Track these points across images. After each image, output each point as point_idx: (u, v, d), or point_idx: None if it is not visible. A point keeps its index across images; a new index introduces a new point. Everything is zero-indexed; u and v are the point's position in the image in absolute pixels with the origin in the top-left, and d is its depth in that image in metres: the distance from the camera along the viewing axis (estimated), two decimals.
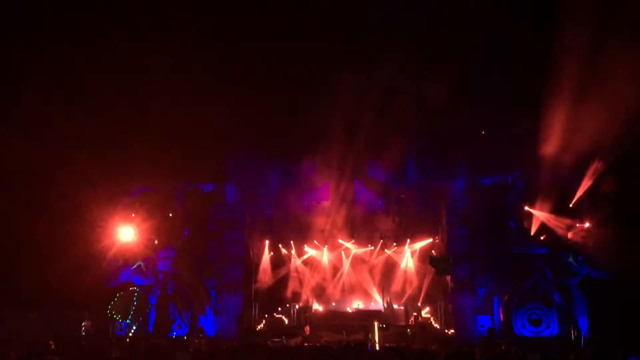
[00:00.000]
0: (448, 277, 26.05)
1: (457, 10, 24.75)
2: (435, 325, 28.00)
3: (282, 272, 30.84)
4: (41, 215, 24.67)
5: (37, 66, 23.96)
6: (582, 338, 21.82)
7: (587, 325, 22.57)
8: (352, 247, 30.80)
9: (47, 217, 24.71)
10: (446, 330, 26.61)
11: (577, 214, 22.95)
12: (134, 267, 24.57)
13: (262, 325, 28.61)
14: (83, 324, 24.14)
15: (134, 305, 24.05)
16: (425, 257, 28.76)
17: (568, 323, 22.92)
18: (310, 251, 31.10)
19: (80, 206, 24.41)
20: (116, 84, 25.37)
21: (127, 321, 23.96)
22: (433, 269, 26.59)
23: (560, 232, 23.11)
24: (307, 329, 25.55)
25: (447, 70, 23.64)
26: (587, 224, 22.58)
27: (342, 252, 31.24)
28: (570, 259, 22.65)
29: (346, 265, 31.37)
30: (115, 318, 23.97)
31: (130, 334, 23.56)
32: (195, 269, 25.83)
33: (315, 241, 30.36)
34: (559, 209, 23.29)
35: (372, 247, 30.75)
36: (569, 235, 22.90)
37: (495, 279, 24.69)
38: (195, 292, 25.58)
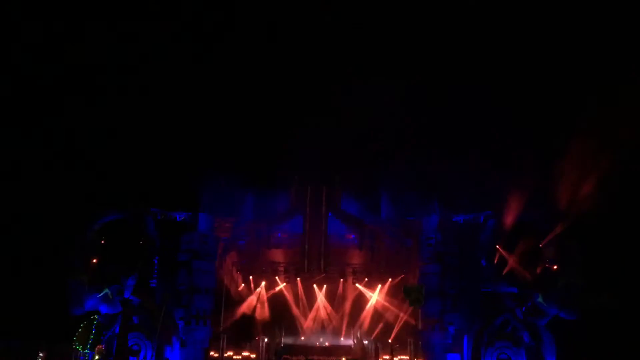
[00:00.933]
0: (419, 314, 25.98)
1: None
2: None
3: (252, 304, 30.38)
4: (7, 240, 24.16)
5: None
6: None
7: None
8: (323, 281, 30.58)
9: (13, 241, 24.21)
10: None
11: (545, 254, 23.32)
12: (100, 295, 23.95)
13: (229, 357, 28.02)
14: (40, 355, 23.24)
15: (93, 334, 23.41)
16: (396, 293, 28.68)
17: None
18: (281, 284, 30.76)
19: (47, 230, 23.97)
20: (89, 106, 25.25)
21: (87, 351, 23.26)
22: (406, 303, 26.47)
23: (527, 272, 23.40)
24: None
25: (424, 111, 24.12)
26: (554, 267, 22.89)
27: (314, 285, 31.00)
28: (540, 299, 22.81)
29: (317, 299, 31.10)
30: (77, 348, 23.28)
31: None
32: (163, 298, 25.28)
33: (286, 274, 30.08)
34: (528, 250, 23.64)
35: (343, 281, 30.57)
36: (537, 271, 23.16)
37: (466, 317, 24.73)
38: (162, 322, 24.98)
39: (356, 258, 29.24)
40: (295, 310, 31.05)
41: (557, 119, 24.77)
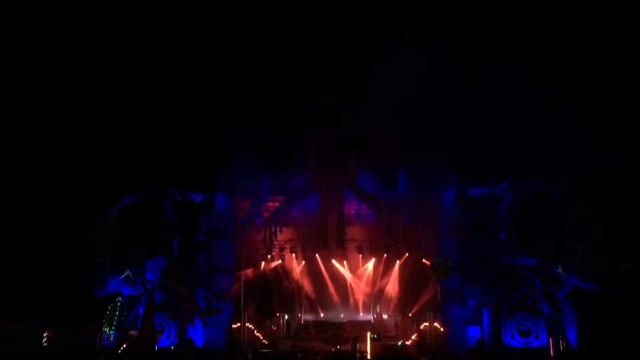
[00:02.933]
0: (437, 287, 26.08)
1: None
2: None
3: (272, 282, 30.66)
4: (27, 224, 24.47)
5: None
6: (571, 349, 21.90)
7: (576, 336, 22.64)
8: (340, 257, 30.76)
9: (33, 225, 24.53)
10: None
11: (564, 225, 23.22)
12: (122, 276, 24.29)
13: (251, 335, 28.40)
14: (44, 334, 23.49)
15: (116, 316, 23.82)
16: (414, 268, 28.80)
17: (557, 334, 22.97)
18: (300, 261, 30.99)
19: (69, 215, 24.26)
20: (108, 89, 25.33)
21: (112, 332, 23.69)
22: (424, 277, 26.57)
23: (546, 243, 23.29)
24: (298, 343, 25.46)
25: (440, 84, 23.93)
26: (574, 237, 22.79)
27: (332, 261, 31.19)
28: (559, 270, 22.74)
29: (336, 275, 31.30)
30: (104, 329, 23.72)
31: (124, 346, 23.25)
32: (184, 279, 25.60)
33: (303, 251, 30.28)
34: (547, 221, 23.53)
35: (362, 257, 30.73)
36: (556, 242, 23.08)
37: (485, 290, 24.74)
38: (184, 302, 25.33)
39: (373, 234, 29.32)
40: (314, 287, 31.27)
41: (573, 87, 24.44)
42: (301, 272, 31.23)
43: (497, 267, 24.50)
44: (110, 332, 23.84)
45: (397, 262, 30.21)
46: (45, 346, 22.92)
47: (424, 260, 28.08)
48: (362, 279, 31.21)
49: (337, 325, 29.56)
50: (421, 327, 27.25)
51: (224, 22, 27.32)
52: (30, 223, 25.28)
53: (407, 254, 29.63)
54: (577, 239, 22.78)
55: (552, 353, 21.95)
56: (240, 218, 27.20)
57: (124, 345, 23.39)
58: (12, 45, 24.30)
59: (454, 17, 26.18)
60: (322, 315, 31.08)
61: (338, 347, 25.28)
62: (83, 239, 24.14)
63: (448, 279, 24.63)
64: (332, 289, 31.31)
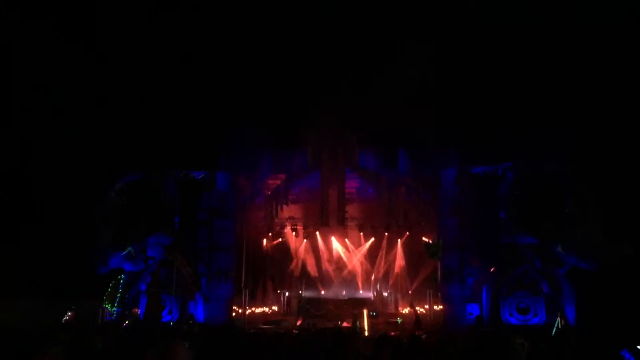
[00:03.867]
0: (438, 266, 26.20)
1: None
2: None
3: (273, 259, 30.86)
4: (29, 203, 24.53)
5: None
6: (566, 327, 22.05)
7: (575, 315, 22.80)
8: (341, 235, 30.90)
9: (35, 204, 24.59)
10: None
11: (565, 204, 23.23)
12: (124, 253, 24.46)
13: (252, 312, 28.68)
14: (68, 313, 23.68)
15: (119, 293, 24.02)
16: (414, 246, 28.92)
17: (555, 312, 23.11)
18: (300, 239, 31.14)
19: (70, 192, 24.32)
20: (108, 69, 25.19)
21: (114, 309, 23.92)
22: (424, 256, 26.75)
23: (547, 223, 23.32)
24: (299, 320, 25.68)
25: (440, 61, 23.73)
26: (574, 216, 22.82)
27: (333, 239, 31.32)
28: (559, 249, 22.81)
29: (336, 252, 31.47)
30: (106, 306, 23.94)
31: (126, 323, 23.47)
32: (185, 256, 25.76)
33: (305, 229, 30.42)
34: (547, 200, 23.52)
35: (363, 235, 30.85)
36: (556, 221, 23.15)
37: (485, 269, 24.83)
38: (186, 279, 25.55)
39: (374, 212, 29.39)
40: (315, 264, 31.46)
41: (578, 68, 24.25)
42: (302, 250, 31.41)
43: (497, 246, 24.56)
44: (113, 309, 24.07)
45: (398, 240, 30.35)
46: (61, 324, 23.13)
47: (423, 238, 28.21)
48: (363, 257, 31.37)
49: (337, 303, 29.81)
50: (416, 307, 27.55)
51: (223, 8, 27.07)
52: (33, 201, 25.34)
53: (407, 233, 29.73)
54: (577, 219, 22.84)
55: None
56: (241, 196, 27.24)
57: (126, 322, 23.61)
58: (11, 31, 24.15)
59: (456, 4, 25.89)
60: (322, 292, 31.32)
61: (339, 323, 25.54)
62: (85, 216, 24.28)
63: (445, 257, 24.78)
64: (332, 266, 31.51)
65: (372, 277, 31.13)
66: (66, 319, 23.45)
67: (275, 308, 29.58)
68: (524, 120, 24.61)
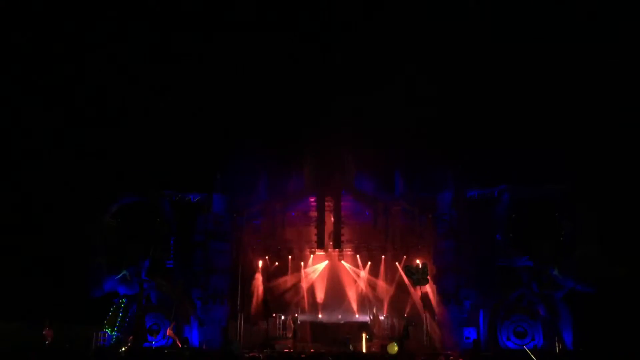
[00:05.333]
0: (434, 289, 26.07)
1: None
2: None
3: (268, 282, 30.63)
4: (23, 222, 24.44)
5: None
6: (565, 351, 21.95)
7: (572, 338, 22.68)
8: (338, 258, 30.77)
9: (30, 226, 24.49)
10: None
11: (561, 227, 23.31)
12: (119, 276, 24.31)
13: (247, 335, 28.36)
14: (43, 332, 23.09)
15: (120, 317, 23.82)
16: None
17: (553, 336, 23.01)
18: (297, 262, 30.98)
19: (65, 214, 24.24)
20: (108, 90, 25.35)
21: (111, 333, 23.68)
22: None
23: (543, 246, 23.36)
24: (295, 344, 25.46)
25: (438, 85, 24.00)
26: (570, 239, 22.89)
27: (329, 263, 31.17)
28: (556, 272, 22.80)
29: (332, 276, 31.29)
30: (106, 330, 23.70)
31: (126, 347, 23.18)
32: (181, 279, 25.60)
33: (301, 252, 30.29)
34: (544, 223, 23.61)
35: (360, 258, 30.73)
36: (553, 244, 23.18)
37: (481, 292, 24.76)
38: (180, 302, 25.34)
39: (371, 235, 29.31)
40: (311, 288, 31.25)
41: (574, 89, 24.54)
42: (298, 273, 31.21)
43: (494, 269, 24.53)
44: (113, 333, 23.79)
45: (396, 264, 30.20)
46: (45, 346, 22.73)
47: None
48: (359, 280, 31.18)
49: (333, 327, 29.55)
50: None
51: (221, 27, 27.40)
52: (28, 223, 25.23)
53: (404, 257, 29.61)
54: (573, 242, 22.89)
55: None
56: (237, 219, 27.20)
57: (124, 348, 23.32)
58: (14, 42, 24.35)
59: (455, 21, 26.25)
60: (319, 316, 31.07)
61: (335, 346, 25.33)
62: (80, 239, 24.17)
63: (441, 280, 24.71)
64: (328, 290, 31.29)
65: (369, 301, 30.88)
66: (43, 337, 22.88)
67: (271, 331, 29.23)
68: (519, 143, 24.78)
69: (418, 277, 24.27)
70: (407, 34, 26.23)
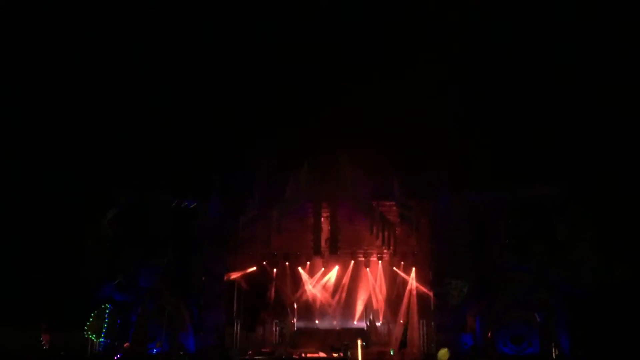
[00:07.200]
0: (431, 295, 26.01)
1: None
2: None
3: (265, 288, 30.57)
4: (20, 232, 24.38)
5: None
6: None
7: (569, 343, 22.61)
8: (334, 265, 30.73)
9: (25, 232, 24.44)
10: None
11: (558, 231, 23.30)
12: (115, 283, 24.22)
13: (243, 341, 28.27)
14: (41, 339, 22.99)
15: (106, 323, 23.64)
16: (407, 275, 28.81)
17: (550, 341, 22.94)
18: (293, 268, 30.94)
19: (61, 221, 24.20)
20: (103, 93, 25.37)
21: (102, 339, 23.52)
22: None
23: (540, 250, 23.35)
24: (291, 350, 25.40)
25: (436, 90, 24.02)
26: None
27: (325, 269, 31.12)
28: (552, 277, 22.76)
29: (328, 282, 31.23)
30: (90, 337, 23.49)
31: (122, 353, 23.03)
32: (177, 285, 25.51)
33: (297, 258, 30.26)
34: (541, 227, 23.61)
35: (355, 264, 30.69)
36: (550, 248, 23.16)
37: (478, 297, 24.69)
38: (177, 309, 25.23)
39: (367, 241, 29.26)
40: (307, 294, 31.20)
41: (571, 92, 24.57)
42: (294, 278, 31.17)
43: (491, 274, 24.49)
44: (98, 340, 23.60)
45: (394, 268, 30.17)
46: (44, 351, 22.64)
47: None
48: (355, 286, 31.12)
49: (330, 333, 29.49)
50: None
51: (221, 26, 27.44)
52: (23, 230, 25.16)
53: (402, 263, 29.57)
54: (570, 246, 22.87)
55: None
56: (234, 224, 27.11)
57: (118, 355, 23.20)
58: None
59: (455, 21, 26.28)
60: (316, 322, 31.00)
61: (331, 353, 25.25)
62: (76, 245, 24.11)
63: (438, 286, 24.68)
64: (325, 296, 31.24)
65: (365, 307, 30.83)
66: (41, 343, 22.79)
67: (268, 337, 29.18)
68: (516, 148, 24.80)
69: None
70: (405, 34, 26.27)
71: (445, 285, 24.79)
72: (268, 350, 26.76)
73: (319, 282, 31.34)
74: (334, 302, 31.25)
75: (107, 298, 24.27)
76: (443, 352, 21.24)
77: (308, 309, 31.30)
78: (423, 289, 27.40)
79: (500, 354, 23.32)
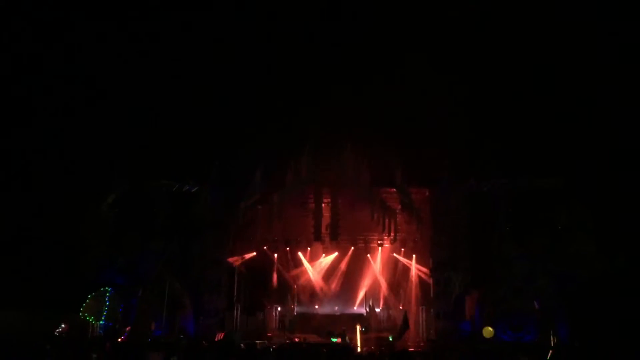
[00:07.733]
0: (430, 282, 26.11)
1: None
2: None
3: (265, 274, 30.67)
4: (22, 210, 24.37)
5: None
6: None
7: (567, 332, 22.74)
8: (334, 250, 30.81)
9: (27, 215, 24.43)
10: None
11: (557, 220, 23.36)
12: (116, 266, 24.27)
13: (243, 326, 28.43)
14: (62, 325, 23.24)
15: (107, 306, 23.69)
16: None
17: (548, 329, 23.06)
18: (293, 253, 31.02)
19: (63, 205, 24.18)
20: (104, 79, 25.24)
21: (102, 322, 23.59)
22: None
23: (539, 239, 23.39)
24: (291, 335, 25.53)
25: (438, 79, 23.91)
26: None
27: (325, 255, 31.21)
28: (552, 266, 22.83)
29: (329, 268, 31.34)
30: (88, 320, 23.53)
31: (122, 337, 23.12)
32: (177, 269, 25.57)
33: (298, 243, 30.33)
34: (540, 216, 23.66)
35: (355, 250, 30.78)
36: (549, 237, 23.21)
37: (477, 285, 24.79)
38: (177, 292, 25.33)
39: (368, 228, 29.33)
40: (307, 279, 31.33)
41: (570, 84, 24.48)
42: (294, 264, 31.27)
43: (490, 262, 24.56)
44: (98, 322, 23.66)
45: (394, 254, 30.28)
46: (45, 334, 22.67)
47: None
48: (355, 272, 31.22)
49: (330, 318, 29.63)
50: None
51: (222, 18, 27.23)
52: (25, 213, 25.15)
53: (402, 249, 29.68)
54: (570, 236, 22.91)
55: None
56: (234, 209, 27.13)
57: (121, 338, 23.30)
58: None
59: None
60: (316, 307, 31.15)
61: (331, 339, 25.38)
62: (77, 229, 24.13)
63: (438, 274, 24.82)
64: (325, 281, 31.36)
65: (365, 293, 30.96)
66: (59, 331, 23.08)
67: (268, 322, 29.34)
68: (516, 137, 24.72)
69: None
70: (409, 27, 26.10)
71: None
72: (270, 335, 26.92)
73: (319, 268, 31.43)
74: (334, 288, 31.36)
75: (108, 281, 24.34)
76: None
77: (308, 294, 31.41)
78: (423, 276, 27.55)
79: (499, 341, 23.43)
